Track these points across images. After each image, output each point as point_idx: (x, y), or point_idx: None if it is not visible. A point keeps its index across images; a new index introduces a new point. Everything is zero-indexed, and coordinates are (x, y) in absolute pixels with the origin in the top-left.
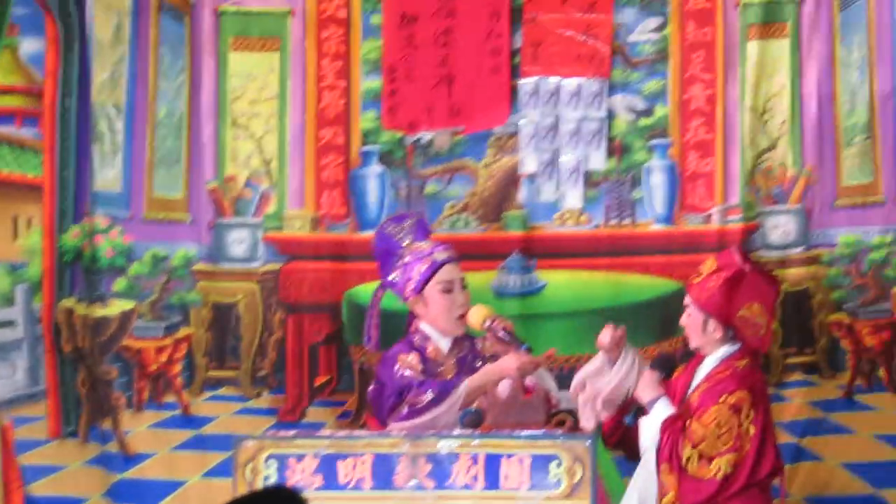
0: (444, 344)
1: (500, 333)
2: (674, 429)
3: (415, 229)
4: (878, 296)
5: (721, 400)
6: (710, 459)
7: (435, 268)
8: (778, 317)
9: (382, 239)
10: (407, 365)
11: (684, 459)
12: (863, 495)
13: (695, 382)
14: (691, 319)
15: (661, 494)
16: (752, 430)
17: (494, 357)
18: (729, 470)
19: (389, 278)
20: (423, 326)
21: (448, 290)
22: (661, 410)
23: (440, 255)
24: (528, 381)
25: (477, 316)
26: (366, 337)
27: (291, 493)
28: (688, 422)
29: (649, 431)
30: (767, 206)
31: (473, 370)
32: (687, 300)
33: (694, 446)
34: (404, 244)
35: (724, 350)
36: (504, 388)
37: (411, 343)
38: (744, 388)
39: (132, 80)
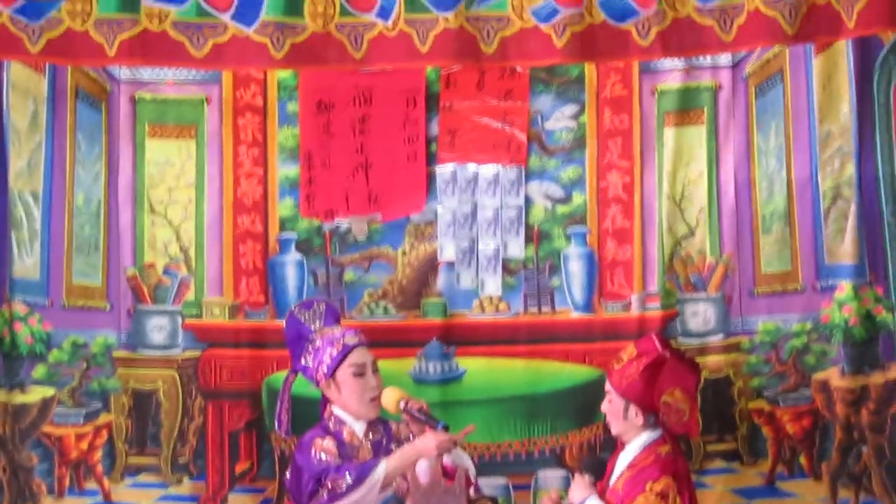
0: (359, 428)
1: (416, 413)
2: None
3: (325, 315)
4: (799, 383)
5: (647, 488)
6: None
7: (346, 351)
8: (699, 403)
9: (292, 324)
10: (323, 449)
11: None
12: None
13: (618, 470)
14: (612, 406)
15: None
16: None
17: (410, 440)
18: None
19: (301, 363)
20: (337, 411)
21: (360, 374)
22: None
23: (350, 339)
24: (446, 460)
25: (390, 398)
26: (277, 422)
27: None
28: None
29: None
30: (687, 293)
31: (390, 454)
32: (608, 386)
33: None
34: (314, 329)
35: (647, 436)
36: (423, 470)
37: (326, 428)
38: (668, 474)
39: (49, 167)
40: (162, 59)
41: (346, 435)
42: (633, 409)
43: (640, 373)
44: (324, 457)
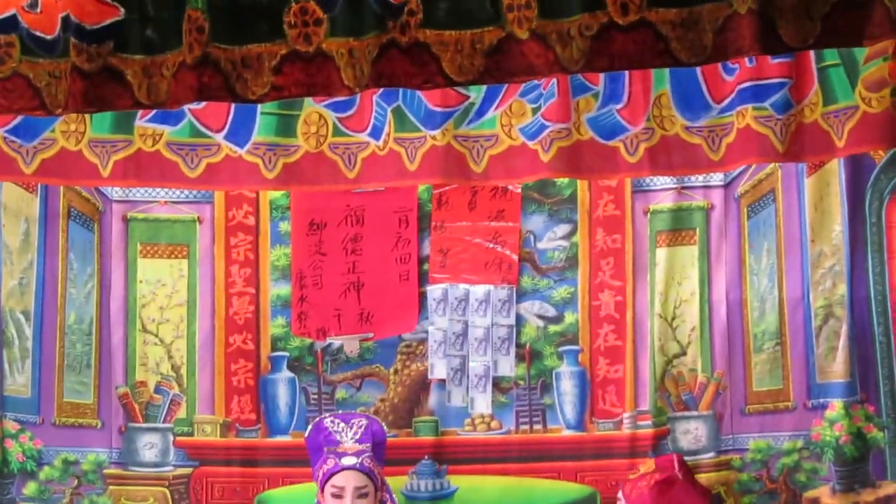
0: None
1: None
2: None
3: (363, 432)
4: (790, 501)
5: None
6: None
7: (334, 471)
8: None
9: (314, 434)
10: None
11: None
12: None
13: None
14: None
15: None
16: None
17: None
18: None
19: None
20: None
21: (337, 496)
22: None
23: (349, 460)
24: None
25: None
26: None
27: None
28: None
29: None
30: (678, 411)
31: None
32: (619, 495)
33: None
34: (341, 442)
35: None
36: None
37: None
38: None
39: (41, 286)
40: (156, 179)
41: None
42: None
43: (651, 487)
44: None
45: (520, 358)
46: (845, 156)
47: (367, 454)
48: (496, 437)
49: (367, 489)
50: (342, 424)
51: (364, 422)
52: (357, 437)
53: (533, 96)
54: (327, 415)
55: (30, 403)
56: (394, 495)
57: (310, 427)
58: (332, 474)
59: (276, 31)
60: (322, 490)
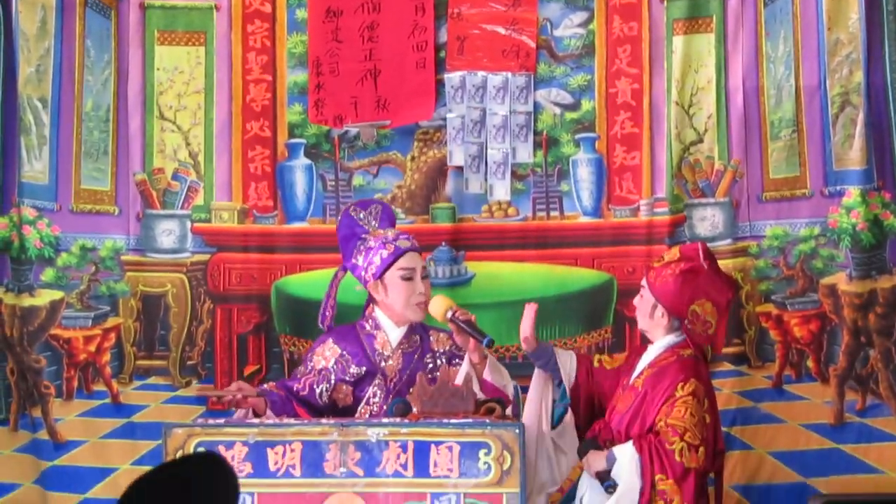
0: (395, 335)
1: (462, 324)
2: (649, 441)
3: (381, 216)
4: (806, 287)
5: (679, 390)
6: (696, 448)
7: (397, 254)
8: (727, 321)
9: (346, 222)
10: (320, 355)
11: (676, 453)
12: (791, 483)
13: (638, 369)
14: (643, 301)
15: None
16: (708, 419)
17: (446, 352)
18: (703, 458)
19: (352, 261)
20: (378, 313)
21: (408, 278)
22: (621, 450)
23: (403, 242)
24: (486, 375)
25: (439, 306)
26: (321, 316)
27: (218, 459)
28: (659, 424)
29: (625, 464)
30: (695, 198)
31: (421, 367)
32: (643, 282)
33: (682, 438)
34: (369, 229)
35: (670, 339)
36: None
37: (354, 331)
38: (694, 377)
39: (58, 74)
40: None
41: (378, 341)
42: (660, 310)
43: (675, 277)
44: (314, 361)
45: (537, 145)
46: None
47: (411, 236)
48: (513, 224)
49: (426, 270)
50: (363, 212)
51: (379, 207)
52: (378, 223)
53: None
54: (349, 204)
55: (47, 190)
56: None
57: (339, 220)
58: (396, 258)
59: None
60: (381, 277)
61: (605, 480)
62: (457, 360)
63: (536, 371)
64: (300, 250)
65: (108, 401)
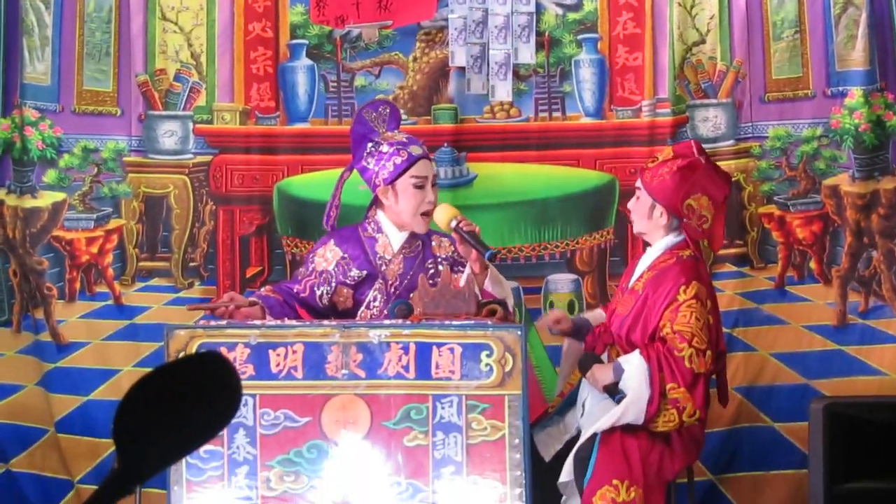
0: (397, 240)
1: (466, 235)
2: (657, 350)
3: (389, 118)
4: (809, 188)
5: (681, 293)
6: (704, 353)
7: (411, 161)
8: (724, 217)
9: (359, 124)
10: (322, 257)
11: (686, 359)
12: (793, 384)
13: (637, 272)
14: (639, 203)
15: (679, 412)
16: (711, 320)
17: (448, 258)
18: (710, 361)
19: (362, 163)
20: (381, 217)
21: (420, 186)
22: (627, 360)
23: (416, 149)
24: (486, 285)
25: (444, 215)
26: (325, 217)
27: (222, 360)
28: (665, 331)
29: (634, 375)
30: (697, 99)
31: (422, 271)
32: (638, 184)
33: (690, 344)
34: (380, 132)
35: (669, 239)
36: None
37: (356, 234)
38: (695, 279)
39: None
40: None
41: (379, 245)
42: (658, 209)
43: (672, 174)
44: (316, 262)
45: (539, 46)
46: None
47: (422, 142)
48: (515, 125)
49: (436, 178)
50: (374, 113)
51: (387, 108)
52: (387, 125)
53: None
54: (363, 105)
55: (49, 91)
56: None
57: (352, 121)
58: (409, 165)
59: None
60: (392, 182)
61: (615, 394)
62: (458, 268)
63: (567, 344)
64: (302, 151)
65: (110, 302)
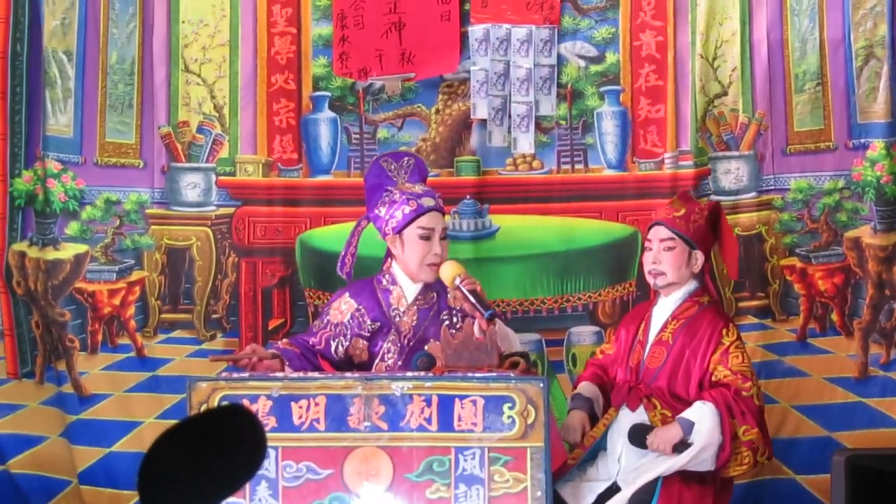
0: (411, 291)
1: (467, 293)
2: (723, 395)
3: (411, 169)
4: (830, 240)
5: (730, 336)
6: (760, 387)
7: (419, 212)
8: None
9: (375, 172)
10: (336, 309)
11: (755, 397)
12: (815, 437)
13: (657, 322)
14: (675, 254)
15: (754, 453)
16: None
17: (462, 310)
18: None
19: (374, 212)
20: (395, 268)
21: (426, 238)
22: (696, 413)
23: (427, 201)
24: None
25: (448, 272)
26: (340, 264)
27: (246, 412)
28: (721, 374)
29: (706, 424)
30: (719, 151)
31: (436, 324)
32: (668, 234)
33: (753, 382)
34: (397, 181)
35: (689, 287)
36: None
37: (371, 286)
38: (730, 321)
39: (83, 26)
40: None
41: (393, 297)
42: (696, 256)
43: (706, 218)
44: (330, 315)
45: (561, 98)
46: None
47: (438, 195)
48: (537, 177)
49: (446, 231)
50: (394, 164)
51: (412, 161)
52: (408, 176)
53: None
54: (381, 154)
55: (72, 143)
56: None
57: (368, 167)
58: (417, 215)
59: None
60: (400, 231)
61: (685, 448)
62: (473, 319)
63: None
64: (325, 203)
65: (132, 354)
